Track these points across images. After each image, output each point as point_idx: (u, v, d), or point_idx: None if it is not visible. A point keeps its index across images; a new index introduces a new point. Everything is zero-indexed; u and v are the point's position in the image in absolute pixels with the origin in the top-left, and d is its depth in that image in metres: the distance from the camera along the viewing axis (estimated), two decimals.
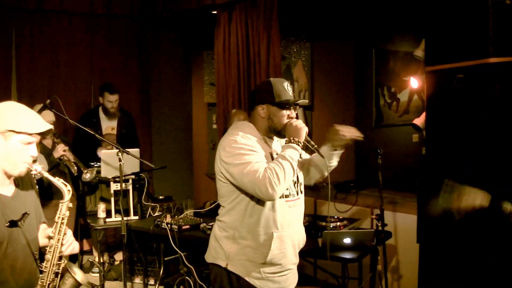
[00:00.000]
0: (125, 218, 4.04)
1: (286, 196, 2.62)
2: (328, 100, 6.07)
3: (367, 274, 3.88)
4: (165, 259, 4.41)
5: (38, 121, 2.20)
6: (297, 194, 2.70)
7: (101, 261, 4.87)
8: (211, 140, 6.79)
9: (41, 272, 2.25)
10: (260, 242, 2.58)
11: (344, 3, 5.21)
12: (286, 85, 2.65)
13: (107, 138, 4.81)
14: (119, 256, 5.27)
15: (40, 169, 2.20)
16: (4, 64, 5.76)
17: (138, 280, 4.91)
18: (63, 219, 2.24)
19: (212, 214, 3.03)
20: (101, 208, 4.58)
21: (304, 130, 2.58)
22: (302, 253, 2.86)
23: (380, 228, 3.73)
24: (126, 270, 4.44)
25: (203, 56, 6.94)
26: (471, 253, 2.96)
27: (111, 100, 5.33)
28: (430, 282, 3.29)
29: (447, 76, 3.08)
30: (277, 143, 2.75)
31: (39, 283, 2.23)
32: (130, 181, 4.48)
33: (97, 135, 4.23)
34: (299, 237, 2.74)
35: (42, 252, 2.30)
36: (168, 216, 4.10)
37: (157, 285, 4.62)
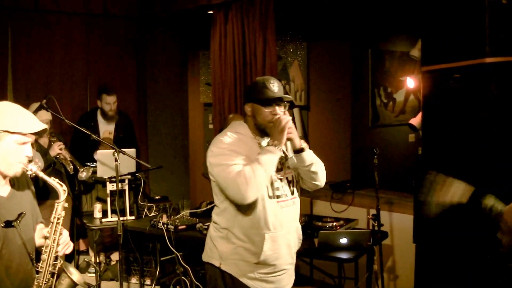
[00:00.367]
0: (121, 218, 4.04)
1: (278, 197, 2.60)
2: (324, 100, 6.06)
3: (364, 274, 3.88)
4: (161, 259, 4.42)
5: (33, 121, 2.19)
6: (292, 194, 2.68)
7: (97, 261, 4.87)
8: (207, 140, 6.78)
9: (37, 272, 2.24)
10: (252, 242, 2.56)
11: (340, 3, 5.21)
12: (272, 82, 2.56)
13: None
14: (115, 256, 5.26)
15: (36, 169, 2.19)
16: (0, 64, 5.74)
17: (134, 280, 4.90)
18: (58, 219, 2.23)
19: (209, 214, 3.03)
20: (97, 208, 4.57)
21: (285, 134, 2.48)
22: (298, 253, 2.85)
23: (376, 228, 3.73)
24: (122, 270, 4.43)
25: (199, 56, 6.94)
26: (467, 253, 2.97)
27: (109, 101, 5.31)
28: (427, 282, 3.29)
29: (443, 76, 3.08)
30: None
31: (35, 283, 2.22)
32: (126, 181, 4.47)
33: (93, 136, 4.22)
34: (294, 237, 2.71)
35: (39, 252, 2.29)
36: (164, 216, 4.10)
37: (153, 285, 4.62)
